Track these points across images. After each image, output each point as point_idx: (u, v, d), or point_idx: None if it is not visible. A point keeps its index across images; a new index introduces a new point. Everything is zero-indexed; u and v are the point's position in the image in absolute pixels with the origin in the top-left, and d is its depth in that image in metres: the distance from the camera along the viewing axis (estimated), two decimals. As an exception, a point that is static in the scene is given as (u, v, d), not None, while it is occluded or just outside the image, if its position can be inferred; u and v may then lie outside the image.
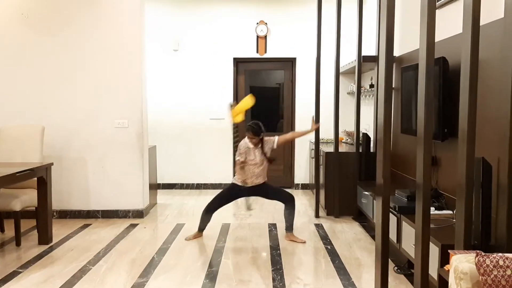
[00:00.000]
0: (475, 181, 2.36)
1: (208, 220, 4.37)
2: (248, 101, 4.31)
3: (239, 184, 4.23)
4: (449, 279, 1.81)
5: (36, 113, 4.97)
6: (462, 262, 1.73)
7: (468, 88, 2.27)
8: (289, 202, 4.31)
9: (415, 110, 3.85)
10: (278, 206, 5.71)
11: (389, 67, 2.68)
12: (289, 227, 4.32)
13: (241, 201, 4.73)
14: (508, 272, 1.62)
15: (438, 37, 2.86)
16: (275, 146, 4.26)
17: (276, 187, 4.46)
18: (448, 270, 2.21)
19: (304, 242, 4.20)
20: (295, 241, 4.23)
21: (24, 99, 4.99)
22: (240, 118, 4.32)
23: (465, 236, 2.31)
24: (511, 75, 2.28)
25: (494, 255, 1.66)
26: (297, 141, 6.86)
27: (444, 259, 2.55)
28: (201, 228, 4.38)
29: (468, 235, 2.32)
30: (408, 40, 4.54)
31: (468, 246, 2.31)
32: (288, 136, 4.44)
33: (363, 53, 5.21)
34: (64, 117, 5.01)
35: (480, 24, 2.24)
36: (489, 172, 2.43)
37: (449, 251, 2.21)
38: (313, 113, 5.34)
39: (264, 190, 4.33)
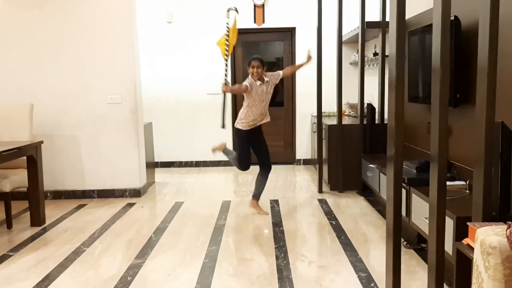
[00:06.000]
0: (493, 148, 2.17)
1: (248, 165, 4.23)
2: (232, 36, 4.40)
3: (242, 128, 4.10)
4: (474, 254, 1.62)
5: (23, 91, 4.73)
6: (490, 235, 1.55)
7: (488, 46, 2.05)
8: (265, 170, 4.25)
9: (422, 76, 3.64)
10: (279, 182, 5.57)
11: (401, 14, 2.43)
12: (257, 196, 4.27)
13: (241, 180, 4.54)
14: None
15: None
16: (277, 81, 4.23)
17: (266, 145, 4.27)
18: (467, 244, 2.04)
19: (267, 214, 4.16)
20: (258, 211, 4.20)
21: (10, 76, 4.74)
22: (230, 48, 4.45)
23: (483, 207, 2.13)
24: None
25: (527, 226, 1.48)
26: (298, 115, 6.65)
27: (460, 232, 2.39)
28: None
29: (487, 207, 2.14)
30: (413, 4, 4.27)
31: (487, 218, 2.13)
32: (288, 70, 4.45)
33: (366, 20, 4.93)
34: (54, 93, 4.77)
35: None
36: (509, 138, 2.24)
37: (468, 223, 2.04)
38: (312, 82, 5.11)
39: (258, 136, 4.18)
